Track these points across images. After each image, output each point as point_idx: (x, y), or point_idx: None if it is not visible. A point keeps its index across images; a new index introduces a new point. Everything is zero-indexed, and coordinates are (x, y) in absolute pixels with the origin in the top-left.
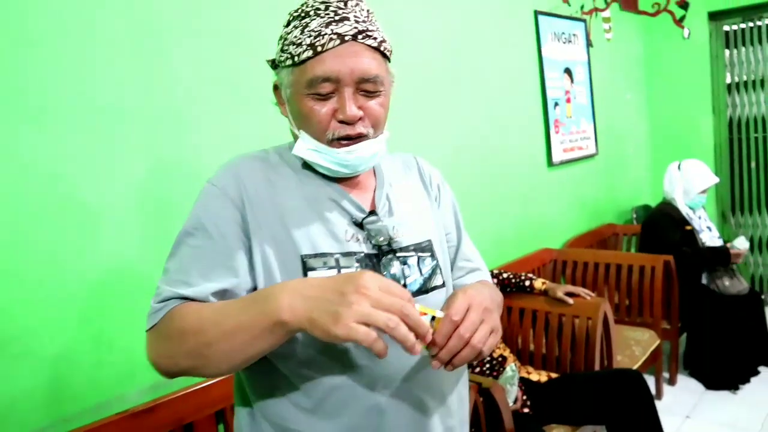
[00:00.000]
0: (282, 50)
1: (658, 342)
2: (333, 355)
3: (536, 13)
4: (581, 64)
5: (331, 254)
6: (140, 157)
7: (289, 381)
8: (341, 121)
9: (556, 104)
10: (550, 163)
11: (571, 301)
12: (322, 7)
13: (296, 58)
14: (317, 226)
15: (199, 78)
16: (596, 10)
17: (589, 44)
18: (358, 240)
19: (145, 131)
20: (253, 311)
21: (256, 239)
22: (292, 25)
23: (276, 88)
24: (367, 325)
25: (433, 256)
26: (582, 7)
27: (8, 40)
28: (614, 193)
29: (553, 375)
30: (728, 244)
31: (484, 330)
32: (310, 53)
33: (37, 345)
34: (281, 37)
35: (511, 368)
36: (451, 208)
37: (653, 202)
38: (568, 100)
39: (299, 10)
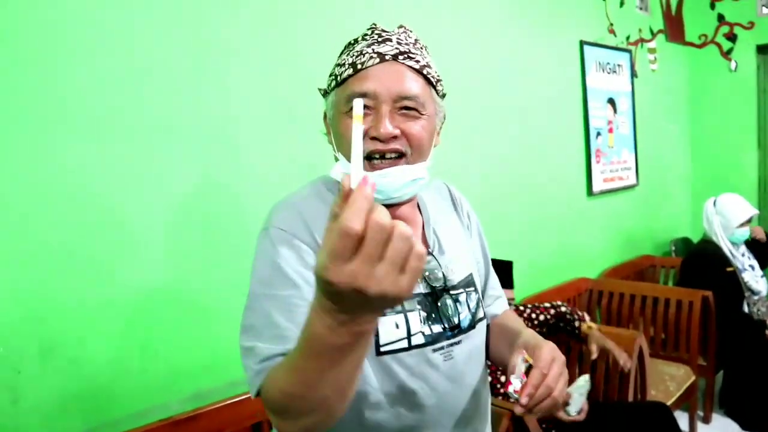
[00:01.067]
0: (330, 75)
1: (693, 378)
2: (401, 397)
3: (582, 43)
4: (625, 94)
5: None
6: (189, 174)
7: (356, 425)
8: (374, 138)
9: (599, 134)
10: (589, 192)
11: (595, 355)
12: (369, 32)
13: (338, 78)
14: None
15: (251, 100)
16: (642, 40)
17: (633, 75)
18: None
19: (195, 149)
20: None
21: None
22: (343, 53)
23: (325, 117)
24: None
25: (476, 289)
26: (628, 37)
27: (71, 56)
28: (653, 225)
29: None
30: None
31: (562, 382)
32: (350, 71)
33: (87, 351)
34: (333, 66)
35: (585, 379)
36: (478, 236)
37: (693, 235)
38: (611, 130)
39: (351, 40)
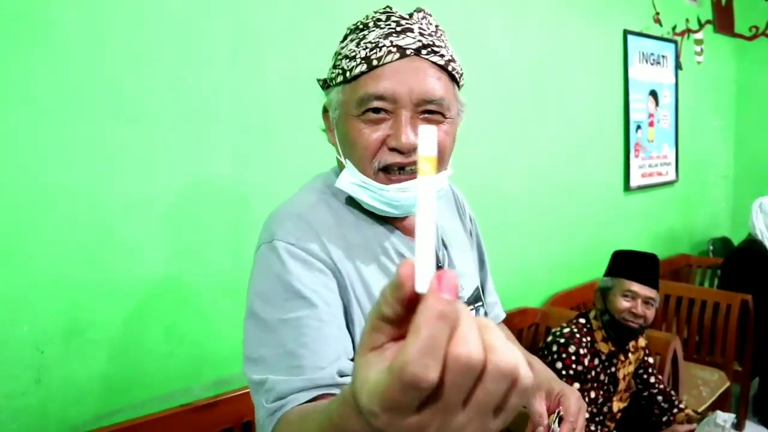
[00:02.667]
0: (334, 66)
1: (728, 384)
2: None
3: (626, 32)
4: (668, 86)
5: None
6: (225, 160)
7: None
8: (393, 149)
9: (639, 127)
10: (627, 187)
11: None
12: (383, 17)
13: (348, 74)
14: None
15: (289, 90)
16: (689, 31)
17: (678, 66)
18: None
19: (232, 136)
20: None
21: (350, 306)
22: (349, 38)
23: (325, 111)
24: None
25: (483, 303)
26: (674, 27)
27: (112, 42)
28: (691, 223)
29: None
30: None
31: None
32: (363, 67)
33: (112, 333)
34: (335, 54)
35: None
36: (477, 236)
37: (732, 235)
38: (651, 124)
39: (358, 22)
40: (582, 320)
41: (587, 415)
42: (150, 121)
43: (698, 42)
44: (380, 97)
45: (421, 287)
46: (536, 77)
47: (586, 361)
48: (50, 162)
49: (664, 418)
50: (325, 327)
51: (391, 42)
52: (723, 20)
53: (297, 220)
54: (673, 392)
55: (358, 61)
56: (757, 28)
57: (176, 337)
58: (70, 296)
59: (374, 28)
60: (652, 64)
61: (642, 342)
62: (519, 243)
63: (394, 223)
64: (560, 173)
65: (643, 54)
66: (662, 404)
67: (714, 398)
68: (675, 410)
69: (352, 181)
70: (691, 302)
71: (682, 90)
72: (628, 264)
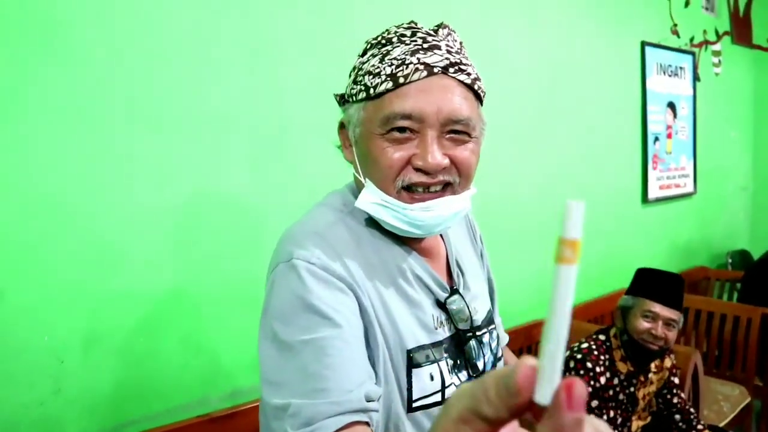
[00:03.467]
0: (355, 81)
1: (748, 399)
2: None
3: (643, 44)
4: (686, 98)
5: (427, 346)
6: (242, 167)
7: None
8: (418, 169)
9: (657, 139)
10: (644, 199)
11: None
12: (408, 33)
13: (372, 91)
14: (411, 312)
15: (304, 98)
16: (707, 42)
17: (696, 78)
18: (442, 324)
19: (249, 143)
20: None
21: (371, 328)
22: (370, 53)
23: (342, 127)
24: None
25: (494, 326)
26: (692, 39)
27: (132, 51)
28: (710, 236)
29: (642, 423)
30: None
31: None
32: (389, 85)
33: (129, 344)
34: (354, 68)
35: None
36: (485, 258)
37: (751, 248)
38: (669, 136)
39: (380, 37)
40: (602, 337)
41: None
42: (166, 129)
43: (716, 53)
44: (407, 116)
45: (544, 399)
46: (553, 88)
47: (603, 379)
48: (68, 172)
49: None
50: (349, 348)
51: (418, 59)
52: (741, 31)
53: (316, 239)
54: (693, 410)
55: (383, 78)
56: None
57: (192, 348)
58: (89, 306)
59: (399, 44)
60: (669, 76)
61: (668, 362)
62: (535, 254)
63: (412, 244)
64: (578, 184)
65: (660, 65)
66: (680, 424)
67: (734, 414)
68: (693, 431)
69: (373, 201)
70: (710, 316)
71: (700, 101)
72: (650, 283)
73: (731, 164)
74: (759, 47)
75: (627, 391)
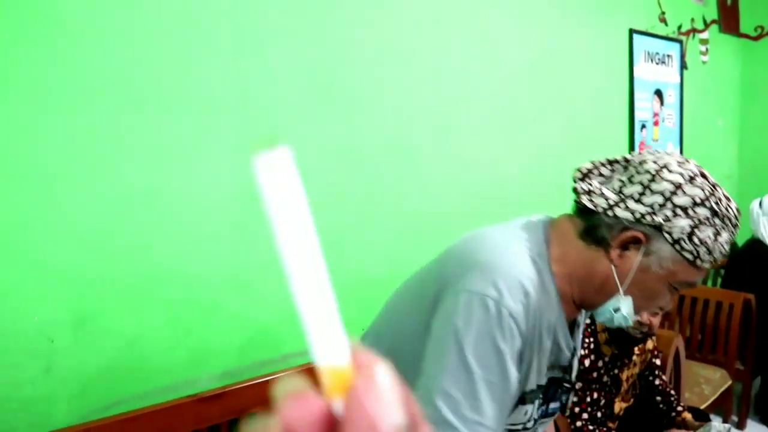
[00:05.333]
0: (689, 238)
1: (729, 383)
2: None
3: (631, 31)
4: (673, 86)
5: (537, 389)
6: (231, 152)
7: None
8: (660, 309)
9: (644, 126)
10: None
11: None
12: (733, 218)
13: (698, 262)
14: (539, 360)
15: (292, 80)
16: (694, 30)
17: (683, 66)
18: (548, 370)
19: (235, 127)
20: None
21: (517, 369)
22: (703, 214)
23: (636, 241)
24: None
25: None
26: (679, 27)
27: (118, 35)
28: None
29: (625, 404)
30: None
31: None
32: (708, 265)
33: (120, 324)
34: (689, 215)
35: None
36: None
37: (737, 236)
38: (656, 123)
39: (716, 202)
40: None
41: (587, 416)
42: (157, 112)
43: (703, 42)
44: (692, 285)
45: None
46: (541, 75)
47: (587, 362)
48: (57, 153)
49: (664, 420)
50: (508, 399)
51: (726, 249)
52: (728, 20)
53: (522, 296)
54: (673, 393)
55: (709, 259)
56: (762, 28)
57: (182, 329)
58: (79, 287)
59: (726, 227)
60: (657, 64)
61: (650, 344)
62: None
63: (571, 313)
64: (564, 170)
65: (648, 53)
66: (661, 405)
67: (716, 396)
68: (673, 413)
69: (626, 313)
70: (693, 301)
71: (687, 89)
72: None
73: (717, 152)
74: (746, 36)
75: (611, 374)
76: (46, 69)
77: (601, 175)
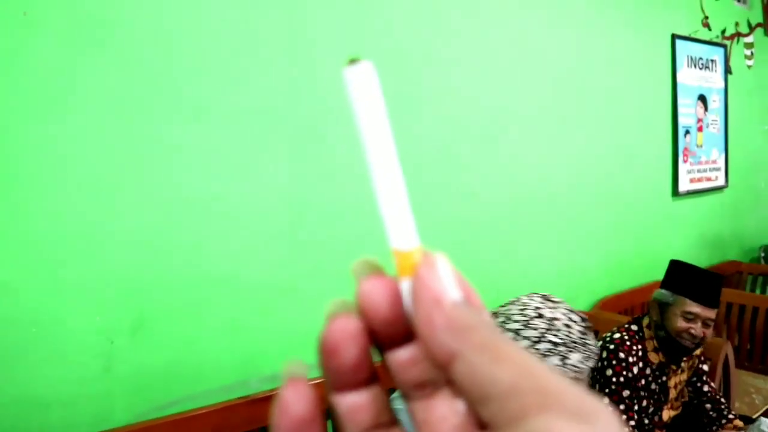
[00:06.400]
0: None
1: None
2: None
3: (674, 37)
4: (717, 91)
5: None
6: (281, 162)
7: None
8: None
9: (687, 132)
10: (675, 192)
11: None
12: (577, 339)
13: None
14: None
15: (341, 90)
16: (738, 35)
17: (727, 71)
18: None
19: (288, 136)
20: None
21: None
22: (545, 348)
23: None
24: None
25: None
26: (723, 31)
27: (172, 46)
28: (741, 229)
29: (673, 412)
30: None
31: None
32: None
33: (176, 327)
34: (536, 352)
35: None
36: None
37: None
38: (700, 129)
39: (554, 334)
40: (634, 327)
41: (634, 424)
42: (214, 121)
43: (748, 45)
44: None
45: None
46: (583, 81)
47: (635, 369)
48: (118, 162)
49: (714, 427)
50: None
51: (581, 367)
52: None
53: None
54: (723, 400)
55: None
56: None
57: (234, 332)
58: (138, 291)
59: (575, 347)
60: (700, 69)
61: (697, 350)
62: (566, 245)
63: None
64: (607, 176)
65: (691, 58)
66: (710, 413)
67: (767, 406)
68: (724, 420)
69: None
70: (742, 308)
71: (731, 94)
72: (692, 282)
73: (764, 157)
74: None
75: (659, 381)
76: (109, 79)
77: None
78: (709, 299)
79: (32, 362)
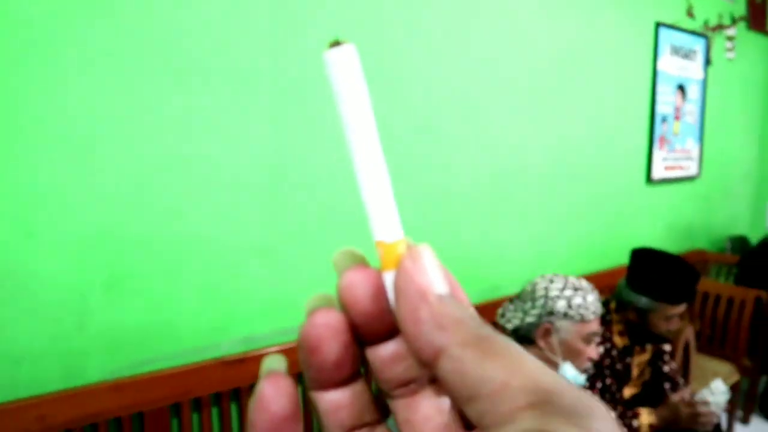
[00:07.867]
0: (569, 308)
1: (737, 378)
2: None
3: (657, 24)
4: (696, 82)
5: None
6: (262, 123)
7: None
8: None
9: (664, 120)
10: (648, 179)
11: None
12: (587, 287)
13: (585, 318)
14: None
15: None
16: (721, 27)
17: (707, 62)
18: None
19: (269, 98)
20: None
21: None
22: (569, 293)
23: (547, 329)
24: None
25: None
26: (706, 22)
27: (153, 5)
28: (710, 219)
29: (634, 390)
30: None
31: None
32: (593, 317)
33: (149, 285)
34: (563, 296)
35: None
36: None
37: (751, 234)
38: (677, 117)
39: (572, 284)
40: None
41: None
42: (196, 83)
43: (730, 38)
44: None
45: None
46: (566, 65)
47: (601, 349)
48: (96, 118)
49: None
50: None
51: (599, 305)
52: (756, 17)
53: None
54: (681, 379)
55: (591, 312)
56: None
57: (210, 292)
58: (113, 248)
59: (589, 290)
60: (681, 58)
61: None
62: (539, 226)
63: None
64: (583, 160)
65: (673, 47)
66: (669, 391)
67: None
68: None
69: (571, 375)
70: (705, 296)
71: (710, 86)
72: (674, 289)
73: (737, 150)
74: None
75: (623, 362)
76: (89, 34)
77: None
78: (689, 296)
79: (4, 317)
